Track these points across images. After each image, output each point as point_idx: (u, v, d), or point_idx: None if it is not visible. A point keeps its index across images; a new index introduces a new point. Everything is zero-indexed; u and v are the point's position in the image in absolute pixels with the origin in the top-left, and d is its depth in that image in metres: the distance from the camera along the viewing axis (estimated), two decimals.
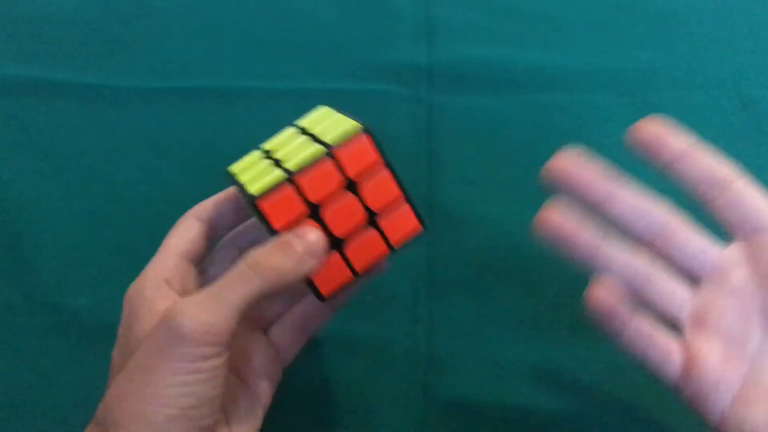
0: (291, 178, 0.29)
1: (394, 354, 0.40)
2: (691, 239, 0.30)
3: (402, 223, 0.32)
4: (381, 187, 0.31)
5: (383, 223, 0.31)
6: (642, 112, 0.52)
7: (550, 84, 0.54)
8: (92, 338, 0.40)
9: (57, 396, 0.38)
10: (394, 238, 0.32)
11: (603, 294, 0.29)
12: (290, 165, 0.29)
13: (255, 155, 0.33)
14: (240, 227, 0.35)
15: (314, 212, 0.30)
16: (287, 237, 0.29)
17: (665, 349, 0.29)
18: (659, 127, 0.32)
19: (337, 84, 0.54)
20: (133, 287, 0.31)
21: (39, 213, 0.46)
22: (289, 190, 0.29)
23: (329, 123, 0.31)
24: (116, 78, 0.53)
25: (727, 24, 0.58)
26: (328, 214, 0.30)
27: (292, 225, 0.29)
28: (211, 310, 0.26)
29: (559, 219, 0.31)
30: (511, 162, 0.49)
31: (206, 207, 0.34)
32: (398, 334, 0.37)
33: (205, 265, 0.34)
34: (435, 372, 0.39)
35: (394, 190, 0.31)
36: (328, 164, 0.29)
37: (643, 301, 0.30)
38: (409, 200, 0.32)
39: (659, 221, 0.30)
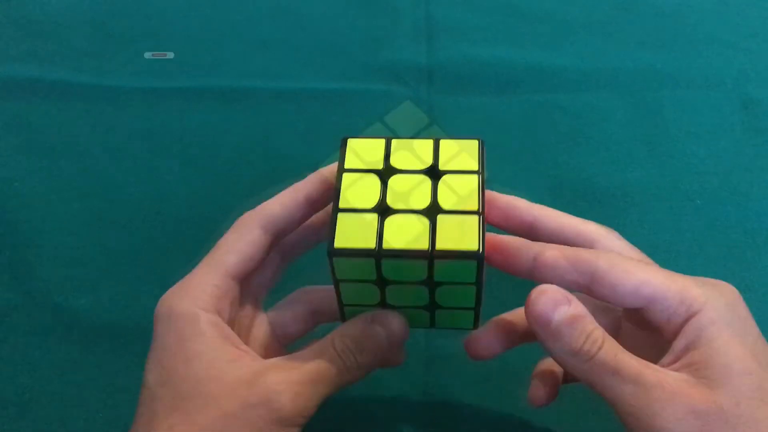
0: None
1: None
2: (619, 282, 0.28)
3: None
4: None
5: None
6: (642, 112, 0.52)
7: (550, 84, 0.54)
8: (92, 338, 0.40)
9: (57, 396, 0.38)
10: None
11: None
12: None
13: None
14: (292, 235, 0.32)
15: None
16: (370, 326, 0.28)
17: None
18: (507, 241, 0.30)
19: (337, 84, 0.54)
20: (177, 307, 0.28)
21: (39, 213, 0.46)
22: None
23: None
24: (116, 78, 0.53)
25: (727, 24, 0.58)
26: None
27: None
28: (309, 395, 0.26)
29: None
30: (511, 161, 0.49)
31: (273, 213, 0.30)
32: None
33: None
34: (435, 372, 0.39)
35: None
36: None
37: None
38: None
39: (588, 269, 0.28)
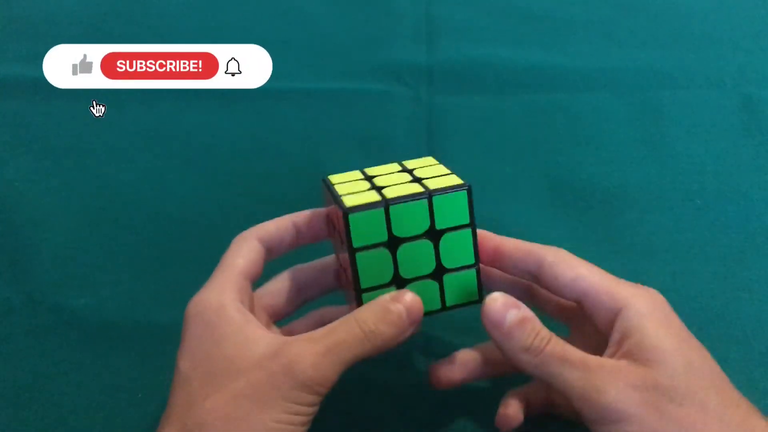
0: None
1: (394, 353, 0.40)
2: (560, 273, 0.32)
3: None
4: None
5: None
6: (642, 112, 0.52)
7: (550, 84, 0.54)
8: (92, 338, 0.40)
9: (57, 396, 0.38)
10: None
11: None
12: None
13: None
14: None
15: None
16: (389, 303, 0.30)
17: None
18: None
19: (337, 84, 0.54)
20: (205, 301, 0.31)
21: (39, 213, 0.46)
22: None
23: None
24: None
25: (727, 24, 0.58)
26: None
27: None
28: (330, 363, 0.29)
29: None
30: (511, 161, 0.49)
31: (268, 230, 0.34)
32: None
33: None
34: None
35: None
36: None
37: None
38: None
39: (537, 259, 0.33)
